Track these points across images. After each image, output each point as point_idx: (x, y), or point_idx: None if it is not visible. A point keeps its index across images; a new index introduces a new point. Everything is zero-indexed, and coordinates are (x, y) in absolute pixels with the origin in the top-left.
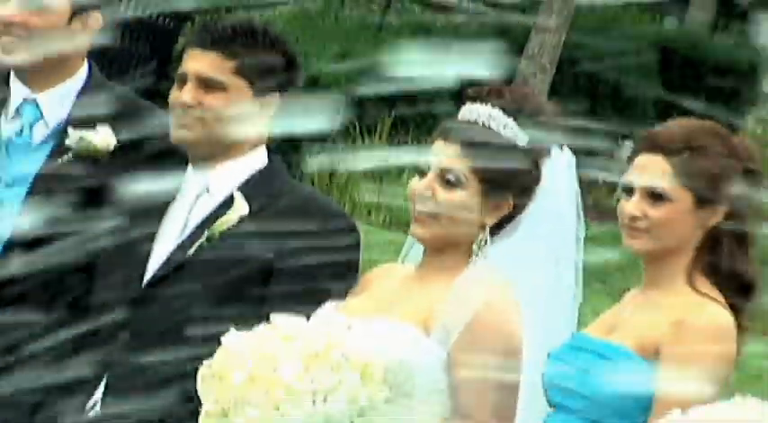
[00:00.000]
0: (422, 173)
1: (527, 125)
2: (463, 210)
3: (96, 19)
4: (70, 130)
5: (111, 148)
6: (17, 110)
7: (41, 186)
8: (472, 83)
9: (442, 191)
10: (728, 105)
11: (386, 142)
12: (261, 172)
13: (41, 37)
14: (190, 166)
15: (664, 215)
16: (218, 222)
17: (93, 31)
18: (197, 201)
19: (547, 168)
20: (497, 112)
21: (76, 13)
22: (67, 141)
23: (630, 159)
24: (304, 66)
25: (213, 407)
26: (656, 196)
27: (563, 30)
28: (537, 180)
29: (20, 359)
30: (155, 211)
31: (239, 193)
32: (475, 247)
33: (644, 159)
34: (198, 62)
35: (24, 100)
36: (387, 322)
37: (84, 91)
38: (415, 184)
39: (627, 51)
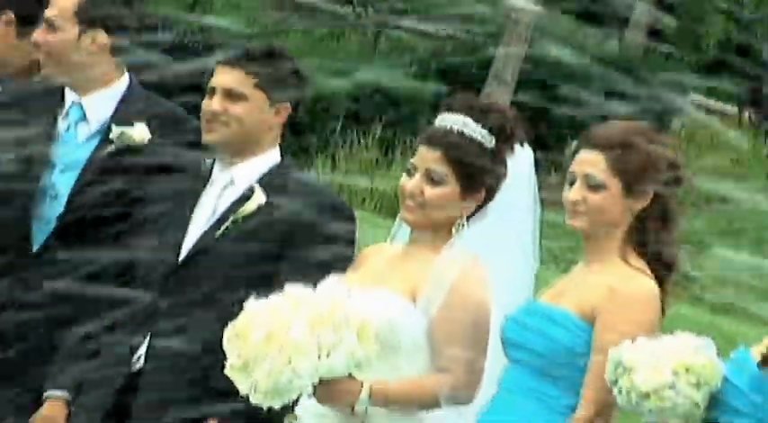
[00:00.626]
0: (409, 171)
1: (494, 130)
2: (445, 202)
3: (103, 38)
4: (113, 126)
5: (146, 141)
6: (67, 111)
7: (89, 173)
8: (448, 94)
9: (429, 187)
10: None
11: (378, 142)
12: (275, 167)
13: (60, 54)
14: (217, 163)
15: (599, 200)
16: (241, 209)
17: (103, 49)
18: (223, 192)
19: (511, 164)
20: (469, 120)
21: (83, 32)
22: (111, 135)
23: (574, 154)
24: (311, 80)
25: (236, 361)
26: (592, 185)
27: (522, 50)
28: (504, 175)
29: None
30: (187, 197)
31: (258, 185)
32: (454, 230)
33: (584, 154)
34: (225, 77)
35: (73, 102)
36: (379, 292)
37: (124, 96)
38: (405, 181)
39: (576, 66)
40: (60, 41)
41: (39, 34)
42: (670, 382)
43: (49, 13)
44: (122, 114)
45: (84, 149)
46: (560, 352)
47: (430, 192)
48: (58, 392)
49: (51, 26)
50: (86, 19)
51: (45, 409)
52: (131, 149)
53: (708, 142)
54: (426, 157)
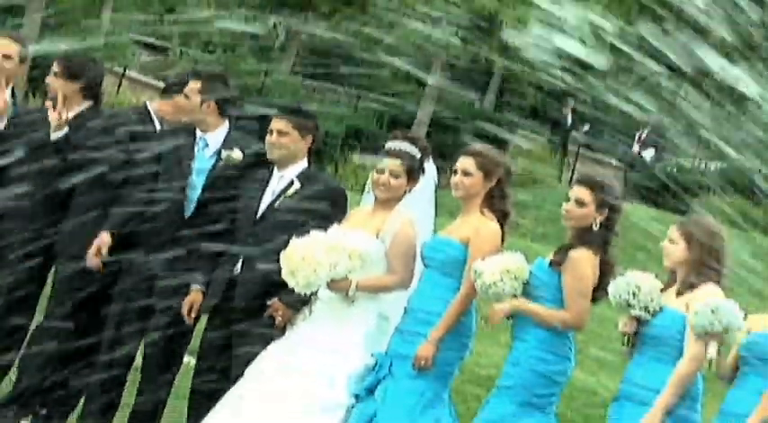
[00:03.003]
0: (380, 171)
1: (419, 150)
2: (400, 187)
3: (213, 104)
4: (223, 150)
5: (240, 158)
6: (198, 140)
7: (211, 176)
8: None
9: (392, 180)
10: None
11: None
12: (305, 169)
13: (193, 112)
14: (276, 168)
15: (469, 182)
16: (288, 192)
17: (215, 109)
18: (279, 182)
19: (426, 166)
20: (408, 144)
21: (204, 101)
22: (222, 155)
23: (457, 159)
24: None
25: (286, 271)
26: (466, 174)
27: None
28: (423, 171)
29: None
30: (261, 185)
31: (296, 178)
32: (400, 201)
33: (462, 158)
34: (278, 123)
35: (201, 136)
36: (360, 233)
37: (227, 134)
38: (377, 176)
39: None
40: (193, 106)
41: (181, 102)
42: (499, 278)
43: (186, 89)
44: (227, 144)
45: (208, 162)
46: (450, 260)
47: (393, 182)
48: (197, 286)
49: (186, 97)
50: (207, 95)
51: (191, 296)
52: (233, 164)
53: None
54: (390, 163)
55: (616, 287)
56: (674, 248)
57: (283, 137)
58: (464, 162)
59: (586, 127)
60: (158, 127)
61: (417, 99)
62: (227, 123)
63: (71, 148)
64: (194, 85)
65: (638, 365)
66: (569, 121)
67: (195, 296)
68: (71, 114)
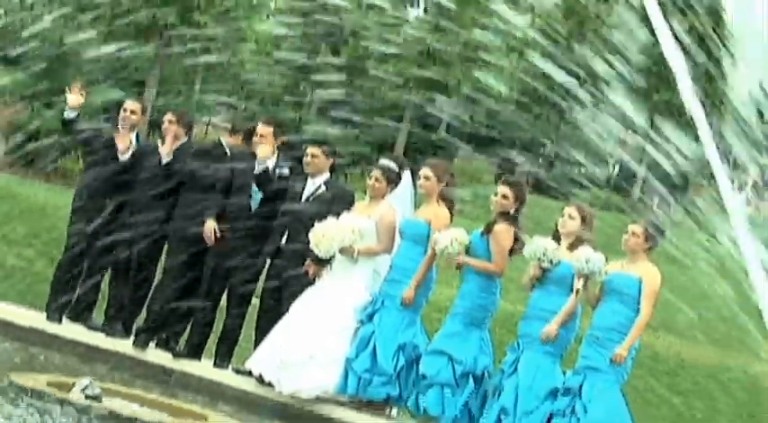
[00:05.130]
0: (372, 178)
1: (398, 164)
2: (383, 188)
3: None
4: (277, 169)
5: (287, 173)
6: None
7: (267, 185)
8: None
9: (377, 184)
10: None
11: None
12: (327, 179)
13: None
14: (309, 177)
15: (428, 184)
16: (317, 193)
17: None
18: (311, 187)
19: (403, 174)
20: (389, 161)
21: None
22: (276, 172)
23: (422, 168)
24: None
25: (312, 243)
26: (427, 178)
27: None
28: (401, 177)
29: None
30: (300, 189)
31: (323, 184)
32: (385, 197)
33: (424, 168)
34: (312, 149)
35: (259, 161)
36: (360, 218)
37: (277, 158)
38: (369, 182)
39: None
40: (268, 142)
41: (256, 139)
42: (450, 244)
43: (261, 130)
44: (279, 163)
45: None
46: (419, 234)
47: (378, 185)
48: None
49: (262, 136)
50: (277, 134)
51: (206, 225)
52: (282, 176)
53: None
54: (375, 173)
55: (530, 248)
56: (572, 222)
57: (315, 158)
58: (425, 171)
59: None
60: (228, 153)
61: (396, 130)
62: (276, 151)
63: (175, 166)
64: (267, 129)
65: (541, 295)
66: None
67: (209, 225)
68: (175, 146)
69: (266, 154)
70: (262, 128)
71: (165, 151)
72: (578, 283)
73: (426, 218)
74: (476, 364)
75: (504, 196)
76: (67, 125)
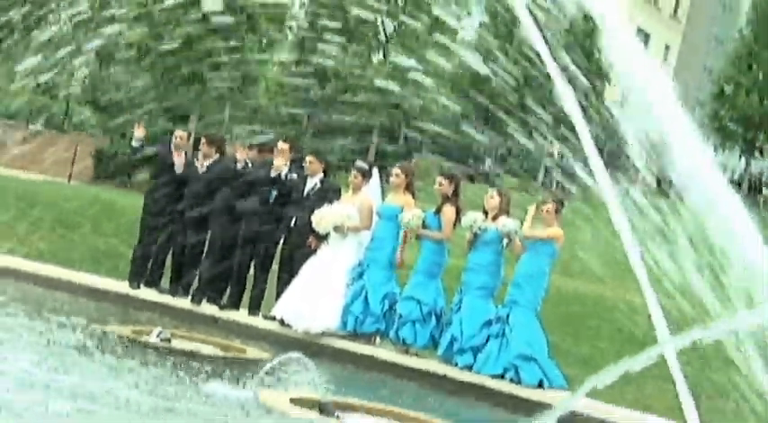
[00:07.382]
0: (351, 176)
1: (368, 164)
2: (360, 182)
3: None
4: (288, 174)
5: (296, 177)
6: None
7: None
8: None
9: (355, 180)
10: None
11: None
12: (322, 178)
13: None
14: (309, 177)
15: (398, 179)
16: (315, 188)
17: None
18: (311, 184)
19: (373, 172)
20: (362, 163)
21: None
22: (288, 176)
23: (392, 168)
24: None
25: (314, 223)
26: (397, 176)
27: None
28: (371, 175)
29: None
30: (303, 186)
31: (319, 182)
32: (362, 189)
33: (394, 169)
34: (310, 157)
35: (275, 169)
36: (347, 205)
37: (289, 167)
38: (351, 179)
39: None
40: (284, 156)
41: (277, 153)
42: (412, 219)
43: (280, 146)
44: (290, 170)
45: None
46: (391, 214)
47: (356, 181)
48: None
49: (281, 151)
50: (294, 150)
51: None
52: (291, 179)
53: None
54: (353, 173)
55: (466, 219)
56: (493, 200)
57: (312, 164)
58: (395, 170)
59: None
60: (250, 165)
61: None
62: (289, 162)
63: (210, 176)
64: (285, 146)
65: (475, 253)
66: None
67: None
68: (208, 162)
69: (281, 164)
70: (281, 144)
71: (202, 165)
72: (505, 241)
73: (398, 203)
74: (436, 304)
75: (440, 184)
76: (136, 151)
